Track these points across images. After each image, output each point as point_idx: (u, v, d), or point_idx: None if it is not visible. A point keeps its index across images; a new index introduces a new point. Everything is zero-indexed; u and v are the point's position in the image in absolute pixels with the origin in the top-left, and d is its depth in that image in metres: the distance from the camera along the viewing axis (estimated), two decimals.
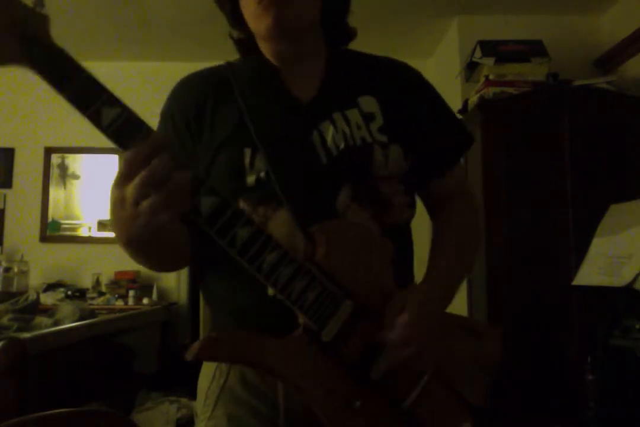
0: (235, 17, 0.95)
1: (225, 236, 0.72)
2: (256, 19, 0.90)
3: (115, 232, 0.76)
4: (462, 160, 1.11)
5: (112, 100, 0.66)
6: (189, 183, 0.67)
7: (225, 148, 0.91)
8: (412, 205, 0.99)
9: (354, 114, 0.93)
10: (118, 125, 0.66)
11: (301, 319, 0.79)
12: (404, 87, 1.00)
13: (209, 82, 0.99)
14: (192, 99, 0.97)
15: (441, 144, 1.02)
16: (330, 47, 1.00)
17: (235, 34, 1.01)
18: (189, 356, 0.75)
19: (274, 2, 0.86)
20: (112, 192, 0.68)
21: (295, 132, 0.92)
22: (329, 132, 0.91)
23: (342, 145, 0.91)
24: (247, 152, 0.89)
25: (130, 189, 0.65)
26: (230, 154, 0.90)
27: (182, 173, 0.66)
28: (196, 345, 0.76)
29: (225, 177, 0.89)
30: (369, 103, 0.95)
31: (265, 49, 0.97)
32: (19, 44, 0.63)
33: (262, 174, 0.88)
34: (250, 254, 0.74)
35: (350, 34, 1.03)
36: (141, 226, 0.67)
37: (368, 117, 0.94)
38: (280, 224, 0.84)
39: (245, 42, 1.00)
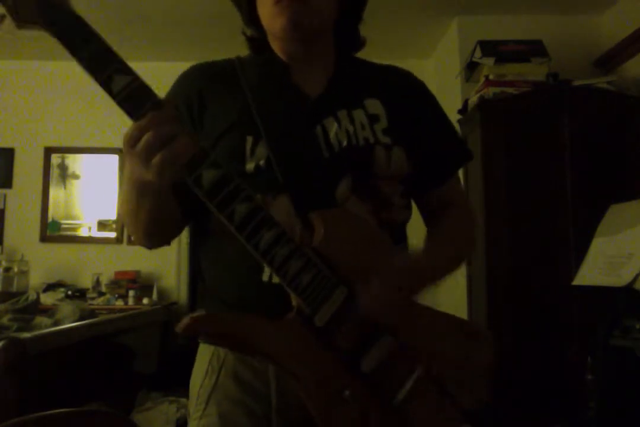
0: (251, 15, 0.97)
1: (224, 210, 0.74)
2: (272, 19, 0.91)
3: (126, 184, 0.83)
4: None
5: (125, 69, 0.69)
6: (192, 146, 0.71)
7: (228, 134, 0.92)
8: (409, 208, 1.01)
9: (359, 114, 0.95)
10: (128, 93, 0.69)
11: (294, 302, 0.79)
12: (407, 94, 1.01)
13: (216, 71, 1.00)
14: (196, 85, 0.98)
15: (441, 153, 1.03)
16: (339, 53, 1.02)
17: (249, 31, 1.03)
18: (179, 328, 0.74)
19: (291, 3, 0.88)
20: (124, 152, 0.73)
21: (299, 125, 0.93)
22: (332, 128, 0.92)
23: (344, 143, 0.92)
24: (249, 139, 0.90)
25: (137, 149, 0.70)
26: (231, 140, 0.91)
27: (186, 139, 0.70)
28: (186, 319, 0.75)
29: (225, 162, 0.90)
30: (374, 105, 0.96)
31: (277, 47, 0.99)
32: (38, 8, 0.67)
33: (262, 162, 0.89)
34: (248, 231, 0.74)
35: (360, 43, 1.04)
36: (150, 180, 0.74)
37: (373, 119, 0.95)
38: (278, 209, 0.85)
39: (258, 40, 1.01)
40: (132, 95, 0.69)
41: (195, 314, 0.77)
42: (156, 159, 0.70)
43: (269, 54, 1.00)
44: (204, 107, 0.95)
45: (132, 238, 0.97)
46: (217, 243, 0.95)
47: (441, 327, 0.91)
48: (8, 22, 0.67)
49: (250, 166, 0.89)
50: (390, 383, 0.83)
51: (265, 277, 0.87)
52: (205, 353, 0.97)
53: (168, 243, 1.00)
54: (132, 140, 0.70)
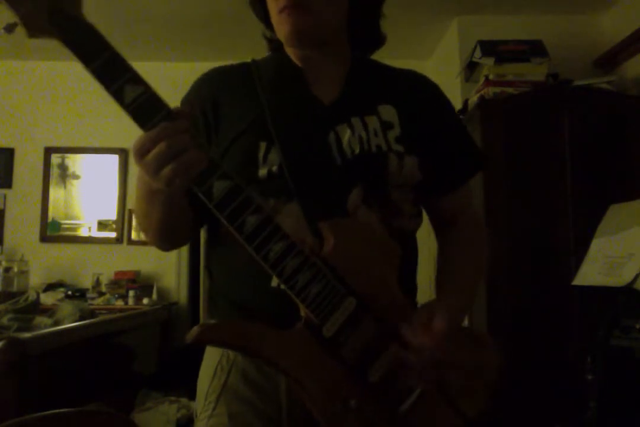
0: (267, 20, 0.98)
1: (234, 222, 0.74)
2: (277, 26, 0.93)
3: (138, 185, 0.85)
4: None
5: (136, 79, 0.69)
6: (203, 159, 0.70)
7: (241, 140, 0.92)
8: (419, 215, 1.00)
9: (372, 121, 0.94)
10: (139, 104, 0.68)
11: (303, 312, 0.80)
12: (423, 100, 1.01)
13: (232, 75, 1.01)
14: (212, 89, 0.99)
15: (455, 160, 1.03)
16: (356, 52, 1.02)
17: (268, 33, 1.04)
18: (189, 338, 0.74)
19: (293, 12, 0.89)
20: (134, 161, 0.73)
21: (312, 132, 0.93)
22: (346, 135, 0.92)
23: (357, 150, 0.91)
24: (262, 145, 0.90)
25: (148, 159, 0.70)
26: (244, 146, 0.91)
27: (198, 151, 0.70)
28: (196, 328, 0.75)
29: (237, 167, 0.89)
30: (388, 112, 0.96)
31: (290, 51, 1.00)
32: (51, 17, 0.66)
33: (275, 168, 0.89)
34: (258, 242, 0.75)
35: (380, 40, 1.05)
36: (160, 188, 0.74)
37: (386, 126, 0.95)
38: (289, 217, 0.85)
39: (277, 42, 1.02)
40: (143, 106, 0.68)
41: (204, 323, 0.77)
42: (166, 171, 0.69)
43: (283, 55, 1.01)
44: (220, 111, 0.95)
45: (146, 239, 0.98)
46: (227, 245, 0.94)
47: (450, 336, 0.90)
48: (20, 30, 0.66)
49: (262, 172, 0.89)
50: (396, 393, 0.82)
51: (273, 283, 0.86)
52: (213, 354, 0.96)
53: (181, 245, 1.01)
54: (141, 151, 0.70)
